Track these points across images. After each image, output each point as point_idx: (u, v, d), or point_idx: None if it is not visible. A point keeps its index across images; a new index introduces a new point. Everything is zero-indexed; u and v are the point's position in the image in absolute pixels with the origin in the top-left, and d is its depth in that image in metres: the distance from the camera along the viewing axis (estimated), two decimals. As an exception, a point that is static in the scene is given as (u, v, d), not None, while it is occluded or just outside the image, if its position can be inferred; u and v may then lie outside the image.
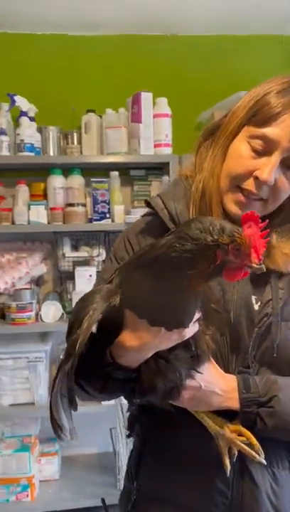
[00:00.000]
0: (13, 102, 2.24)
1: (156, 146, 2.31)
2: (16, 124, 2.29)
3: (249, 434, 0.81)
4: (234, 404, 0.82)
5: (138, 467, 0.93)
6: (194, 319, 0.74)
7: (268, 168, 0.81)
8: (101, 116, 2.38)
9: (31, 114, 2.31)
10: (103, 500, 0.95)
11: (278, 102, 0.80)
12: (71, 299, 2.38)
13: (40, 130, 2.33)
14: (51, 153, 2.36)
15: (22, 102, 2.25)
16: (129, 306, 0.73)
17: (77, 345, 0.69)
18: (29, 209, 2.25)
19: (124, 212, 2.35)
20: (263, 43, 2.62)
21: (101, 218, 2.30)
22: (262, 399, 0.81)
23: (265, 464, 0.80)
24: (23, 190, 2.30)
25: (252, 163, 0.83)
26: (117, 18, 2.40)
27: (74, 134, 2.38)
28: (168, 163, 2.33)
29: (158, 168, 2.50)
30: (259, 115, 0.82)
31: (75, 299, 2.29)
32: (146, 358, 0.75)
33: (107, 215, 2.30)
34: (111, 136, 2.32)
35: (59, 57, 2.50)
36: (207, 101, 2.34)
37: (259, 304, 0.87)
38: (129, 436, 1.01)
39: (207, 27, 2.53)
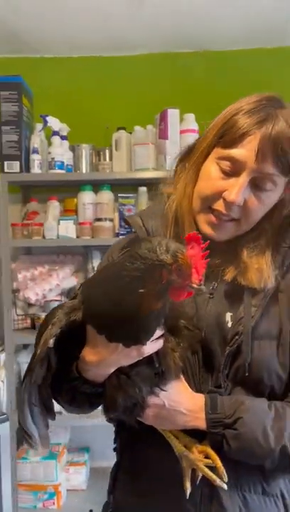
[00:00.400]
0: (45, 122, 2.35)
1: (182, 161, 2.32)
2: (50, 142, 2.39)
3: (214, 456, 0.80)
4: (201, 424, 0.81)
5: (114, 481, 0.95)
6: (154, 336, 0.75)
7: (235, 189, 0.81)
8: (131, 133, 2.43)
9: (63, 133, 2.41)
10: (91, 512, 0.96)
11: (244, 123, 0.81)
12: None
13: (72, 148, 2.43)
14: (83, 170, 2.44)
15: (53, 122, 2.36)
16: (89, 322, 0.75)
17: (35, 358, 0.72)
18: (59, 224, 2.33)
19: (151, 227, 2.36)
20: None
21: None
22: (228, 420, 0.80)
23: (225, 488, 0.78)
24: (53, 206, 2.40)
25: (221, 184, 0.83)
26: (149, 37, 2.46)
27: (106, 151, 2.46)
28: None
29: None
30: (227, 136, 0.82)
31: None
32: (108, 374, 0.77)
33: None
34: (139, 153, 2.36)
35: (92, 78, 2.59)
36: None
37: (233, 321, 0.86)
38: (114, 449, 1.03)
39: (237, 41, 2.52)
